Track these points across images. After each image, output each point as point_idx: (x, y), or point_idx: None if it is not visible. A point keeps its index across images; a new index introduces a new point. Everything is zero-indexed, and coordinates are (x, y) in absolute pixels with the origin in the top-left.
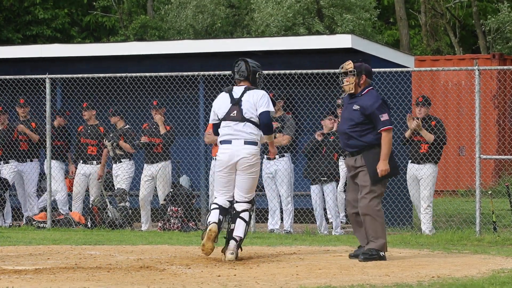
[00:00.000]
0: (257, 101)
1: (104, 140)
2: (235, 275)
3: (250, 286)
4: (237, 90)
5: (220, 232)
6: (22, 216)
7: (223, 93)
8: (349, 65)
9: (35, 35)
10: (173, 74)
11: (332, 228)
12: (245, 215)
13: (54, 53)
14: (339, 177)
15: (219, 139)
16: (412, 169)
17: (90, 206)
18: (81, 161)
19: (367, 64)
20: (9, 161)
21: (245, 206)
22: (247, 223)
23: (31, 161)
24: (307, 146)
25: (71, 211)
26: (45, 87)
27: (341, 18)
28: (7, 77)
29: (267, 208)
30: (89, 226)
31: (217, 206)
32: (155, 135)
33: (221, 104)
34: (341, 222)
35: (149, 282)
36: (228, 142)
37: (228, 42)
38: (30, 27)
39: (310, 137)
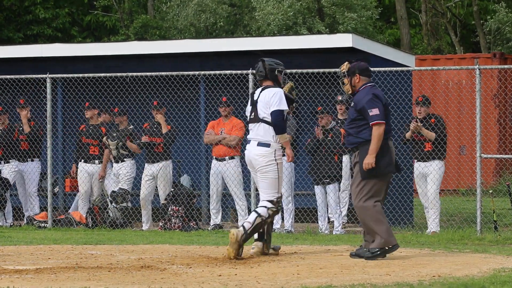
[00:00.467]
0: (269, 100)
1: (105, 139)
2: (236, 274)
3: (251, 285)
4: (257, 91)
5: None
6: (23, 216)
7: (250, 95)
8: (342, 67)
9: (36, 35)
10: (174, 73)
11: (333, 227)
12: (260, 209)
13: (55, 52)
14: (340, 176)
15: None
16: (419, 167)
17: (91, 205)
18: (83, 161)
19: (362, 62)
20: (10, 160)
21: (263, 203)
22: (260, 217)
23: (32, 160)
24: (308, 145)
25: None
26: (45, 87)
27: (343, 17)
28: (8, 76)
29: None
30: (90, 225)
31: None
32: (156, 135)
33: (247, 107)
34: (342, 222)
35: (150, 281)
36: (248, 143)
37: (229, 42)
38: (30, 27)
39: (311, 136)
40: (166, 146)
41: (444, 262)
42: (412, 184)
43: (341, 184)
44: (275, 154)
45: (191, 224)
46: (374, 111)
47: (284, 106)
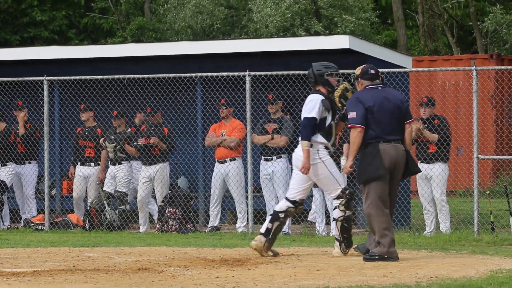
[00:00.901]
0: (304, 106)
1: (102, 141)
2: (233, 276)
3: (248, 287)
4: None
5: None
6: (20, 219)
7: None
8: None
9: (33, 37)
10: (171, 75)
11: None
12: (335, 213)
13: (52, 55)
14: None
15: None
16: (422, 169)
17: (88, 208)
18: (79, 163)
19: (365, 65)
20: (7, 163)
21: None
22: (339, 221)
23: (29, 163)
24: None
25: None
26: (43, 89)
27: (341, 19)
28: (5, 79)
29: (265, 210)
30: (87, 228)
31: None
32: (152, 137)
33: None
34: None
35: (147, 283)
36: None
37: (226, 43)
38: (27, 29)
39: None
40: (169, 149)
41: (442, 263)
42: (409, 186)
43: None
44: (318, 153)
45: (188, 226)
46: (351, 115)
47: (313, 114)
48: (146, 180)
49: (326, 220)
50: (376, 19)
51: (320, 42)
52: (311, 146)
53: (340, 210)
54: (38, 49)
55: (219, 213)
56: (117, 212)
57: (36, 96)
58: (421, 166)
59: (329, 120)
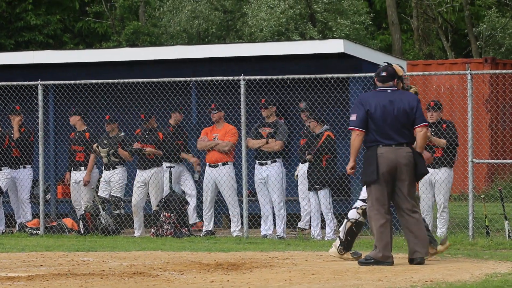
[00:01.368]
0: None
1: (96, 146)
2: (228, 280)
3: None
4: None
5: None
6: (15, 223)
7: None
8: None
9: (27, 41)
10: (165, 80)
11: (326, 233)
12: (350, 213)
13: (47, 59)
14: (332, 182)
15: None
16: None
17: (83, 212)
18: (72, 169)
19: (383, 65)
20: (2, 168)
21: (356, 204)
22: (349, 220)
23: (24, 167)
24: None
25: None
26: (37, 94)
27: (336, 24)
28: None
29: (260, 214)
30: (82, 232)
31: None
32: (147, 142)
33: None
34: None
35: None
36: None
37: (220, 48)
38: (22, 33)
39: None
40: (164, 155)
41: (437, 267)
42: None
43: None
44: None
45: (183, 230)
46: (352, 117)
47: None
48: (141, 185)
49: (321, 224)
50: (371, 23)
51: (315, 46)
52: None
53: (357, 212)
54: (33, 54)
55: (212, 217)
56: (111, 216)
57: (30, 101)
58: None
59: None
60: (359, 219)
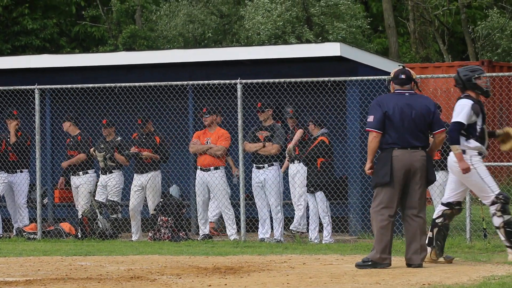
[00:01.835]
0: (453, 111)
1: (93, 150)
2: (225, 284)
3: None
4: None
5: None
6: (12, 228)
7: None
8: None
9: (24, 46)
10: (162, 83)
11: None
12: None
13: (43, 63)
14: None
15: None
16: None
17: (80, 216)
18: (72, 174)
19: (398, 68)
20: None
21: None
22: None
23: (21, 172)
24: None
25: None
26: (34, 98)
27: (333, 27)
28: None
29: (257, 217)
30: (80, 236)
31: None
32: (144, 145)
33: None
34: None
35: None
36: None
37: (217, 51)
38: (18, 38)
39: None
40: (163, 160)
41: (434, 270)
42: None
43: None
44: (471, 159)
45: (181, 234)
46: (369, 118)
47: (459, 119)
48: (138, 189)
49: (318, 228)
50: (368, 26)
51: (312, 50)
52: (464, 152)
53: (498, 216)
54: (29, 58)
55: (208, 220)
56: (109, 220)
57: (27, 105)
58: None
59: (479, 124)
60: (506, 220)
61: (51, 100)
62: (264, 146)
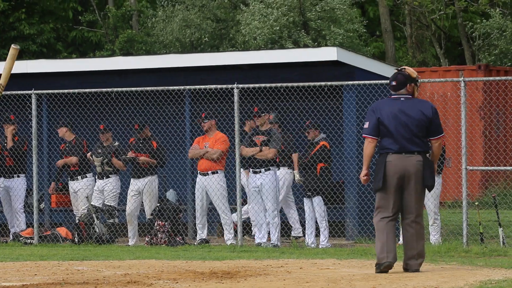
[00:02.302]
0: None
1: (90, 154)
2: None
3: None
4: None
5: None
6: (9, 232)
7: None
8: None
9: (21, 51)
10: (159, 88)
11: (320, 241)
12: None
13: (40, 68)
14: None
15: None
16: None
17: (77, 221)
18: (69, 178)
19: (394, 72)
20: None
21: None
22: None
23: (18, 176)
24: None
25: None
26: (31, 103)
27: (329, 32)
28: None
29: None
30: (76, 241)
31: None
32: (141, 150)
33: None
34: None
35: None
36: None
37: (214, 56)
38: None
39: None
40: (159, 164)
41: (431, 274)
42: None
43: None
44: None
45: (177, 239)
46: (365, 125)
47: None
48: (135, 193)
49: (315, 232)
50: (364, 30)
51: (308, 54)
52: None
53: None
54: (26, 63)
55: (205, 225)
56: (105, 225)
57: (24, 110)
58: None
59: None
60: None
61: (48, 105)
62: (261, 151)
